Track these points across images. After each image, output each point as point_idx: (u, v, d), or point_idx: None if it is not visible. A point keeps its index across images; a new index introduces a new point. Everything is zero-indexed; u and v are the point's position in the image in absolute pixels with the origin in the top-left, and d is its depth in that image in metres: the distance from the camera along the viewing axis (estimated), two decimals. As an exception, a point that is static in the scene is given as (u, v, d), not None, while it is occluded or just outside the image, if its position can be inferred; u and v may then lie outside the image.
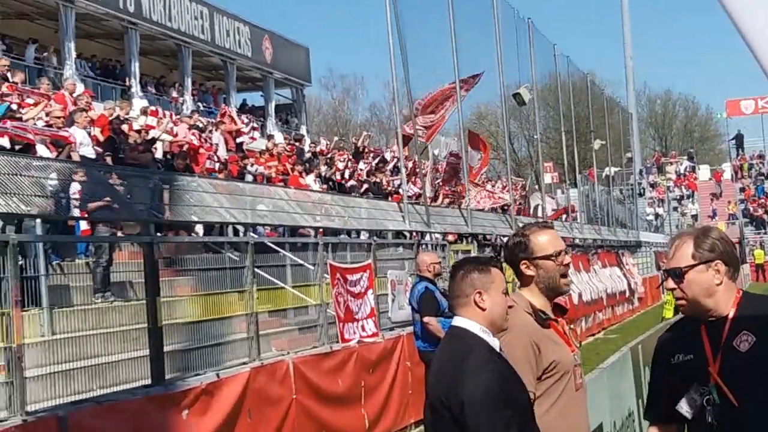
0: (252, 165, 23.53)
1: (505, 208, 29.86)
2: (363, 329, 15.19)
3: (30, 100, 17.68)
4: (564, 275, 5.16)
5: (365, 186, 27.27)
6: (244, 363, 12.26)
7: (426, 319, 12.40)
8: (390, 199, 25.68)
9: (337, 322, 14.63)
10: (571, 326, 5.38)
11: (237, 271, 13.36)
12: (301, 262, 15.48)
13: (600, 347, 23.30)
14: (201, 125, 24.37)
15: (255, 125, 31.93)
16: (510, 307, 4.63)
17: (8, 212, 10.26)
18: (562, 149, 38.52)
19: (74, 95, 20.24)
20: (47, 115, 17.22)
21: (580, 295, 27.25)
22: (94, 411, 9.18)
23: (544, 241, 5.12)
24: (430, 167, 27.81)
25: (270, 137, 29.73)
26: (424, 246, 19.72)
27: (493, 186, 32.59)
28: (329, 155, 28.52)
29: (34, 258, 11.02)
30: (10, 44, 28.74)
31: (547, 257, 5.10)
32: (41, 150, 15.00)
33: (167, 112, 25.75)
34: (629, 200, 52.00)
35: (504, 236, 24.64)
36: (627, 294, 35.96)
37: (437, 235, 22.40)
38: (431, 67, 24.21)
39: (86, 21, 31.42)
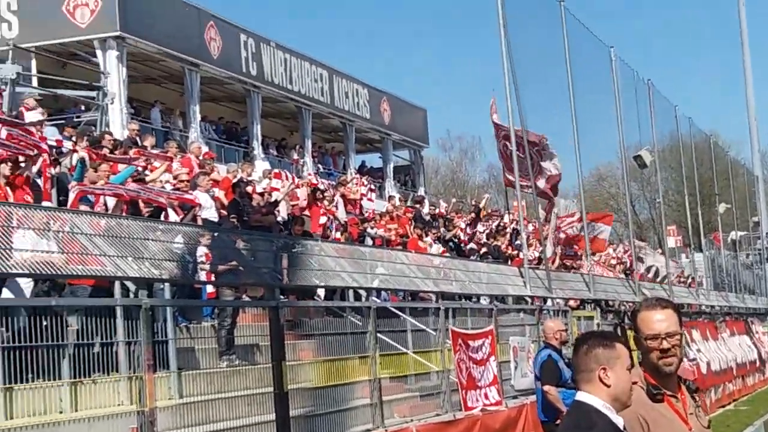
0: (372, 227, 23.59)
1: (628, 273, 29.27)
2: (486, 397, 14.95)
3: (157, 164, 18.08)
4: (664, 356, 5.03)
5: (484, 249, 27.07)
6: (369, 430, 12.15)
7: (546, 387, 12.11)
8: (510, 262, 25.42)
9: (459, 389, 14.42)
10: (698, 400, 5.17)
11: (359, 335, 13.32)
12: (423, 327, 15.37)
13: (731, 419, 22.51)
14: (321, 187, 24.58)
15: (373, 187, 32.09)
16: (634, 383, 4.58)
17: (141, 276, 10.42)
18: (686, 212, 37.72)
19: (199, 158, 20.65)
20: (174, 178, 17.58)
21: (708, 365, 26.46)
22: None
23: (645, 321, 5.04)
24: (551, 231, 27.47)
25: (389, 199, 29.84)
26: (545, 312, 19.40)
27: (614, 250, 32.00)
28: (448, 217, 28.44)
29: (163, 321, 11.15)
30: (137, 107, 29.61)
31: (646, 338, 5.02)
32: (171, 214, 15.28)
33: (289, 174, 26.09)
34: (757, 265, 50.46)
35: (627, 302, 24.11)
36: (757, 363, 34.78)
37: (559, 301, 22.02)
38: (551, 130, 24.03)
39: (210, 84, 32.18)
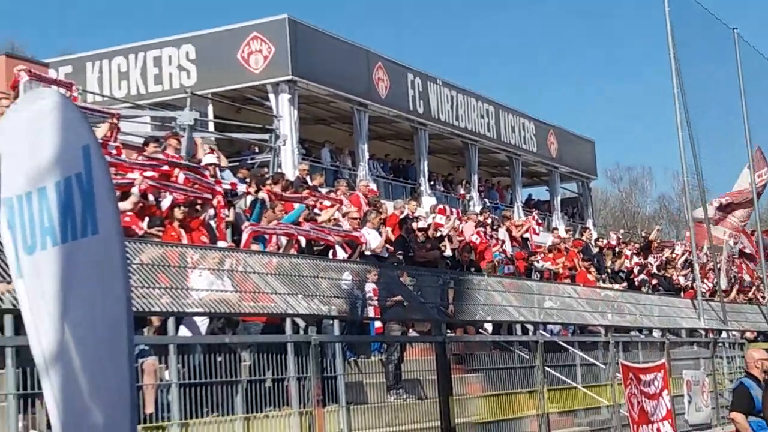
0: (539, 261, 23.49)
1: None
2: (658, 431, 14.65)
3: (326, 203, 18.56)
4: None
5: (655, 281, 26.52)
6: (536, 464, 12.10)
7: (732, 414, 11.76)
8: (682, 294, 24.81)
9: (630, 423, 14.20)
10: None
11: (527, 369, 13.30)
12: (592, 361, 15.21)
13: None
14: (488, 222, 24.64)
15: (540, 221, 31.91)
16: None
17: (310, 313, 10.76)
18: None
19: (367, 196, 21.07)
20: (343, 216, 18.01)
21: None
22: None
23: None
24: (725, 260, 26.69)
25: (555, 231, 29.62)
26: (720, 344, 18.86)
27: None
28: (617, 250, 28.01)
29: (332, 357, 11.45)
30: (308, 148, 30.47)
31: None
32: (338, 251, 15.67)
33: (454, 210, 26.29)
34: None
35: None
36: None
37: (735, 333, 21.36)
38: (722, 158, 23.43)
39: (378, 123, 32.82)
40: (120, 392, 4.37)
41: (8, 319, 8.45)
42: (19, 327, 8.60)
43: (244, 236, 14.18)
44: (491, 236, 22.66)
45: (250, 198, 16.32)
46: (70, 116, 4.61)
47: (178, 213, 13.38)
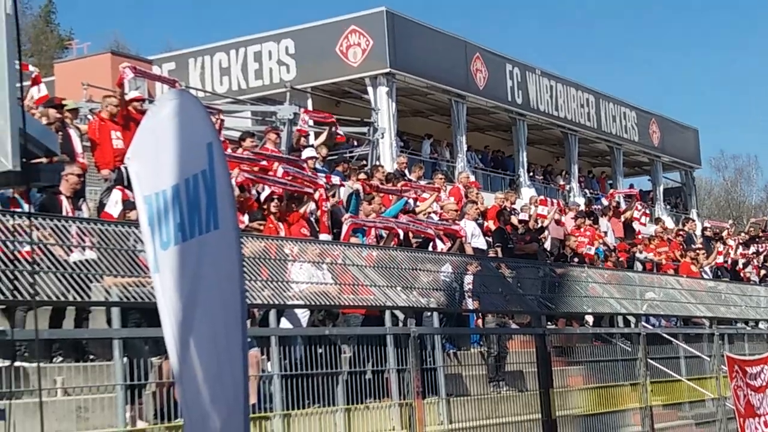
0: (641, 252, 23.14)
1: None
2: (765, 425, 14.32)
3: (425, 195, 18.58)
4: None
5: (763, 272, 25.89)
6: (640, 458, 11.95)
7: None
8: (791, 285, 24.17)
9: (736, 416, 13.91)
10: None
11: (629, 362, 13.14)
12: (697, 353, 14.95)
13: None
14: (588, 213, 24.37)
15: (646, 211, 31.41)
16: None
17: (409, 305, 10.80)
18: None
19: (466, 187, 21.03)
20: (441, 208, 18.00)
21: None
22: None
23: None
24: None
25: (658, 222, 29.15)
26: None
27: None
28: (722, 240, 27.43)
29: (431, 349, 11.47)
30: (407, 140, 30.52)
31: None
32: (438, 243, 15.67)
33: (554, 201, 26.06)
34: None
35: None
36: None
37: None
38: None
39: (477, 115, 32.69)
40: (235, 389, 4.49)
41: (115, 312, 8.68)
42: (126, 319, 8.85)
43: (344, 229, 14.28)
44: (592, 227, 22.40)
45: (345, 191, 16.43)
46: (195, 114, 4.78)
47: (274, 207, 13.54)
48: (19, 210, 8.81)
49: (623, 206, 26.99)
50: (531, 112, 33.46)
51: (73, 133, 13.18)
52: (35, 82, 14.73)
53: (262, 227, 12.92)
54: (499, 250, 17.78)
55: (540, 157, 37.89)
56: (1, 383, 6.21)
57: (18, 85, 4.26)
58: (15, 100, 4.20)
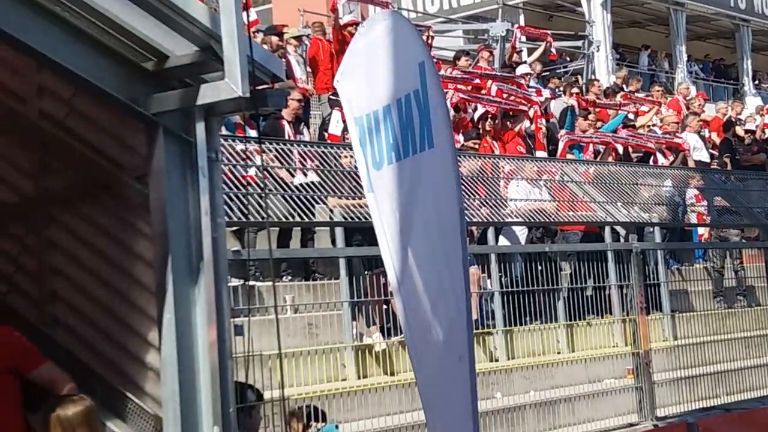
0: None
1: None
2: None
3: (644, 108, 18.05)
4: None
5: None
6: None
7: None
8: None
9: None
10: None
11: None
12: None
13: None
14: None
15: None
16: None
17: (630, 221, 10.62)
18: None
19: (687, 99, 20.30)
20: (661, 121, 17.46)
21: None
22: (724, 419, 9.15)
23: None
24: None
25: None
26: None
27: None
28: None
29: (654, 264, 11.25)
30: (623, 53, 29.64)
31: None
32: (659, 157, 15.26)
33: (782, 109, 24.79)
34: None
35: None
36: None
37: None
38: None
39: (696, 22, 31.35)
40: (457, 303, 4.56)
41: (339, 232, 8.94)
42: (349, 239, 9.12)
43: (561, 145, 14.11)
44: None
45: (561, 107, 16.17)
46: (406, 35, 4.82)
47: (489, 125, 13.49)
48: (248, 135, 9.14)
49: None
50: (755, 17, 31.78)
51: (292, 59, 13.52)
52: (245, 7, 15.11)
53: (477, 146, 12.93)
54: (727, 161, 17.10)
55: (766, 64, 36.02)
56: (238, 301, 6.53)
57: (244, 12, 4.40)
58: (242, 27, 4.33)
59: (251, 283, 7.76)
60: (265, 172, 7.96)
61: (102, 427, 4.46)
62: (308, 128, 12.70)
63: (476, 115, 14.02)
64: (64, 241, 5.45)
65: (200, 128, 4.72)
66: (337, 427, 6.90)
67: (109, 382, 5.09)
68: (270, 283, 8.23)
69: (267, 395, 6.37)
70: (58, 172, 5.49)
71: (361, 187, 8.23)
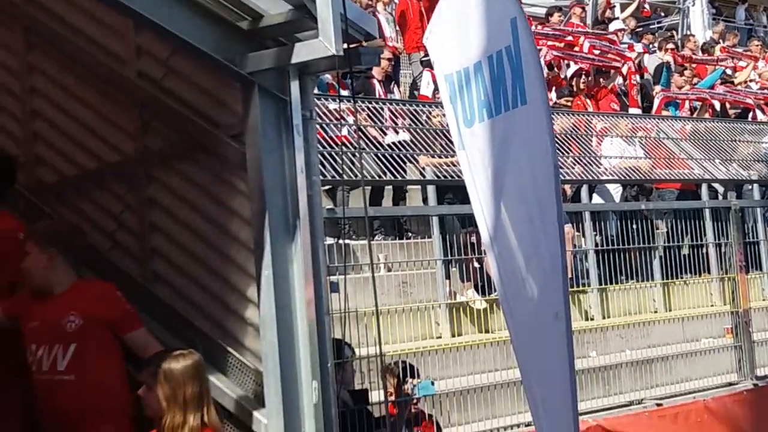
0: None
1: None
2: None
3: (742, 63, 17.64)
4: None
5: None
6: None
7: None
8: None
9: None
10: None
11: None
12: None
13: None
14: None
15: None
16: None
17: (728, 178, 10.41)
18: None
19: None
20: (759, 76, 17.05)
21: None
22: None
23: None
24: None
25: None
26: None
27: None
28: None
29: (753, 222, 11.02)
30: (719, 7, 28.90)
31: None
32: (758, 114, 14.92)
33: None
34: None
35: None
36: None
37: None
38: None
39: (797, -26, 30.40)
40: (552, 261, 4.53)
41: (431, 191, 8.95)
42: (441, 198, 9.12)
43: (656, 102, 13.88)
44: None
45: (655, 63, 15.88)
46: None
47: (582, 82, 13.32)
48: (341, 95, 9.18)
49: None
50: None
51: (382, 17, 13.48)
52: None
53: (569, 104, 12.79)
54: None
55: None
56: (332, 259, 6.59)
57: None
58: (335, -16, 4.34)
59: (345, 241, 7.81)
60: (357, 132, 7.99)
61: (208, 381, 4.55)
62: (398, 87, 12.70)
63: (569, 73, 13.86)
64: (163, 198, 5.56)
65: (294, 87, 4.77)
66: (432, 383, 6.94)
67: (210, 336, 5.20)
68: (363, 242, 8.29)
69: (362, 352, 6.45)
70: (157, 131, 5.60)
71: (452, 145, 8.25)
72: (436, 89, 11.35)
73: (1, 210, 5.54)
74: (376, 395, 6.55)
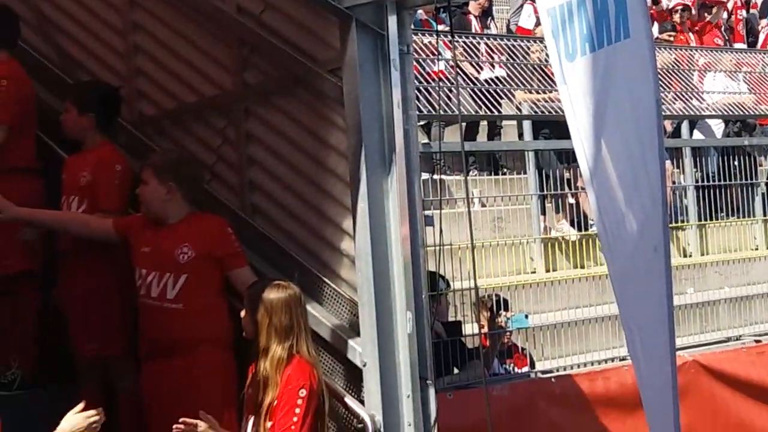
0: None
1: None
2: None
3: None
4: None
5: None
6: None
7: None
8: None
9: None
10: None
11: None
12: None
13: None
14: None
15: None
16: None
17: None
18: None
19: None
20: None
21: None
22: None
23: None
24: None
25: None
26: None
27: None
28: None
29: None
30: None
31: None
32: None
33: None
34: None
35: None
36: None
37: None
38: None
39: None
40: (653, 195, 4.50)
41: (527, 125, 8.90)
42: (536, 133, 9.07)
43: (761, 37, 13.50)
44: None
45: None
46: None
47: (685, 17, 13.00)
48: (438, 29, 9.15)
49: None
50: None
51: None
52: None
53: (672, 38, 12.51)
54: None
55: None
56: (427, 193, 6.63)
57: None
58: None
59: (440, 176, 7.84)
60: (452, 68, 7.97)
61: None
62: (494, 22, 12.57)
63: (671, 5, 13.54)
64: (261, 132, 5.65)
65: (392, 21, 4.78)
66: (527, 317, 6.97)
67: (307, 267, 5.30)
68: (459, 177, 8.29)
69: (456, 285, 6.49)
70: (255, 66, 5.67)
71: (549, 80, 8.17)
72: (537, 23, 11.22)
73: (104, 141, 5.73)
74: (469, 328, 6.60)
